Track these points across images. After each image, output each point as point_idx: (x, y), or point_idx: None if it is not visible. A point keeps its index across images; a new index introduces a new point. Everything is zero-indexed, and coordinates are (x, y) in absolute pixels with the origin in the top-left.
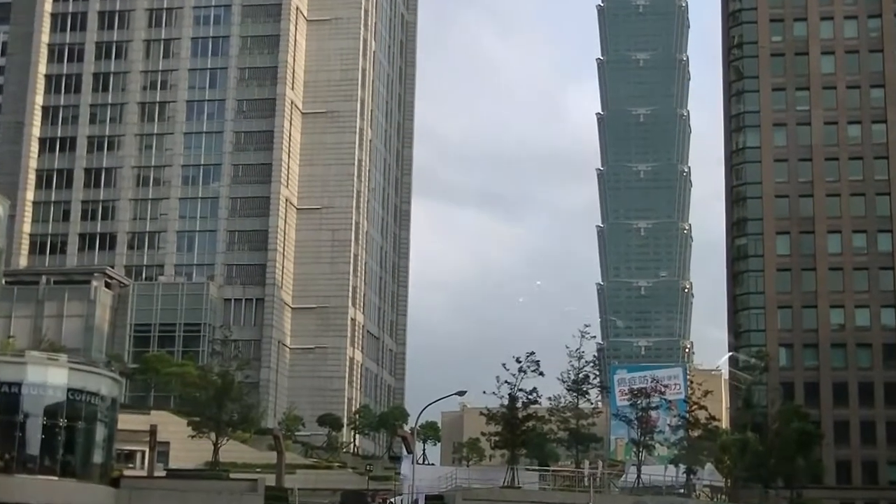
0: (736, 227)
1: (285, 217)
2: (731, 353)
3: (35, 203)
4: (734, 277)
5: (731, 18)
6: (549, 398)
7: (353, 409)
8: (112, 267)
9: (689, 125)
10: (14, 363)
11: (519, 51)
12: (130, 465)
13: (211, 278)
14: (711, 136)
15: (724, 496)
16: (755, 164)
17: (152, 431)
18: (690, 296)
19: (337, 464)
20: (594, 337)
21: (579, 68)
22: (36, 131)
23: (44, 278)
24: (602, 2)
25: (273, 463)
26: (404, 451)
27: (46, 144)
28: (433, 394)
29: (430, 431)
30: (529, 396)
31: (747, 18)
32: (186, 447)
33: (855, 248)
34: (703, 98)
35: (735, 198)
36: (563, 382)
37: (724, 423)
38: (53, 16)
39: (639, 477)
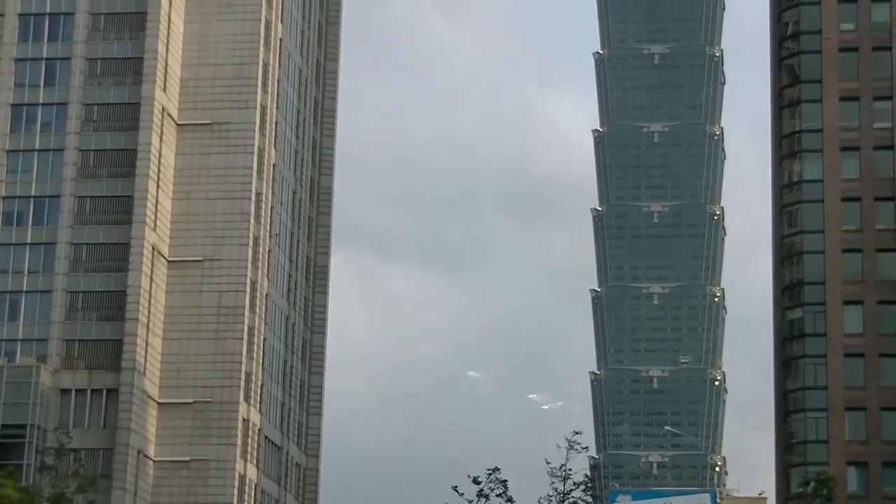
0: (787, 293)
1: (151, 272)
2: (780, 474)
3: None
4: (784, 365)
5: None
6: None
7: None
8: None
9: (723, 148)
10: None
11: (479, 41)
12: None
13: (42, 360)
14: (754, 164)
15: None
16: (815, 205)
17: None
18: (722, 390)
19: None
20: (586, 448)
21: (567, 66)
22: None
23: None
24: None
25: None
26: None
27: None
28: None
29: None
30: None
31: None
32: None
33: None
34: (743, 110)
35: (786, 252)
36: None
37: None
38: None
39: None
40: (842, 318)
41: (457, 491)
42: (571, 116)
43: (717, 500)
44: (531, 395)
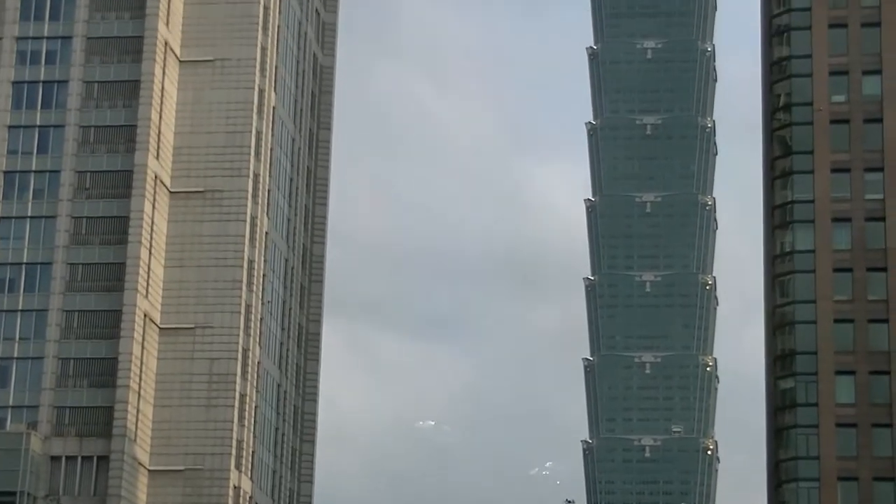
0: (779, 363)
1: (143, 339)
2: None
3: None
4: (776, 435)
5: (776, 70)
6: None
7: None
8: None
9: (715, 218)
10: None
11: (470, 110)
12: None
13: (33, 427)
14: (746, 234)
15: None
16: (807, 275)
17: None
18: (715, 460)
19: None
20: None
21: (559, 136)
22: None
23: None
24: (595, 44)
25: None
26: None
27: None
28: None
29: None
30: None
31: (798, 70)
32: None
33: None
34: (735, 180)
35: (778, 322)
36: None
37: None
38: None
39: None
40: (834, 388)
41: None
42: (562, 186)
43: None
44: (539, 469)
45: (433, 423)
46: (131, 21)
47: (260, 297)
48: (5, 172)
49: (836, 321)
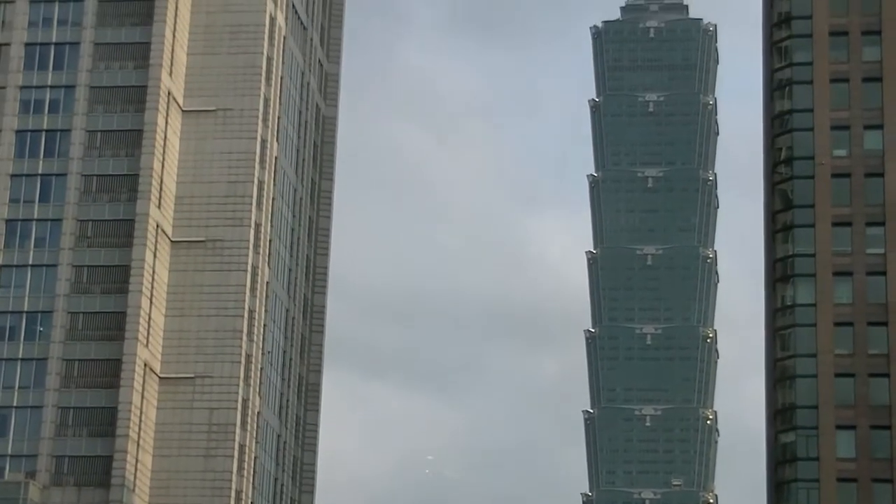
0: (780, 416)
1: (143, 388)
2: None
3: None
4: (777, 489)
5: (777, 124)
6: None
7: None
8: None
9: (716, 271)
10: None
11: (471, 162)
12: None
13: (31, 476)
14: (747, 287)
15: None
16: (807, 329)
17: None
18: None
19: None
20: None
21: (560, 187)
22: None
23: None
24: (597, 97)
25: None
26: None
27: None
28: None
29: None
30: None
31: (800, 124)
32: None
33: None
34: (736, 233)
35: (779, 375)
36: None
37: None
38: None
39: None
40: (834, 442)
41: None
42: (563, 237)
43: None
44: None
45: (432, 474)
46: (135, 71)
47: (260, 347)
48: (7, 221)
49: (836, 375)
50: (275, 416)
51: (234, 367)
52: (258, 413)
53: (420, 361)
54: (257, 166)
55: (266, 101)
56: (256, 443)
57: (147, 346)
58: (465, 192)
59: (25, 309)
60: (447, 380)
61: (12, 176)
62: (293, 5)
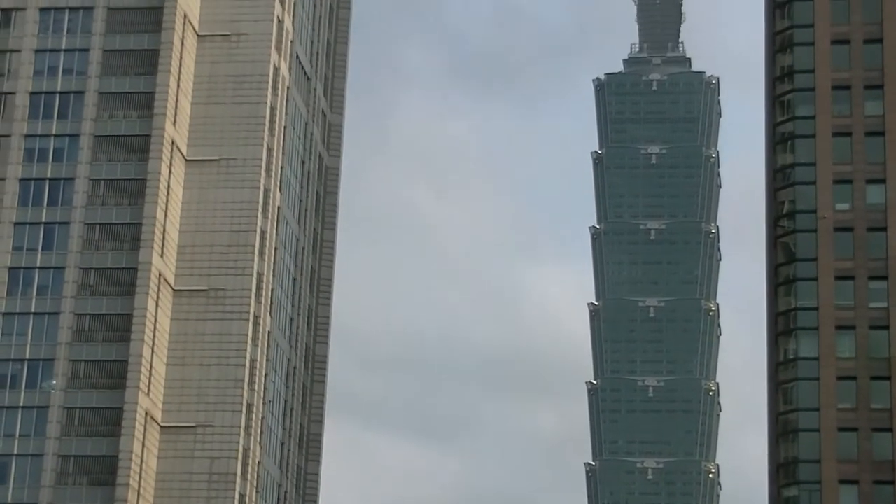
0: (783, 471)
1: (144, 437)
2: None
3: None
4: None
5: (779, 178)
6: None
7: None
8: None
9: (718, 323)
10: None
11: (472, 213)
12: None
13: None
14: (749, 340)
15: None
16: (811, 383)
17: None
18: None
19: None
20: None
21: (562, 239)
22: None
23: None
24: (600, 149)
25: None
26: None
27: None
28: None
29: None
30: None
31: (802, 178)
32: None
33: None
34: (738, 286)
35: (781, 429)
36: None
37: None
38: None
39: None
40: (837, 496)
41: None
42: (565, 289)
43: None
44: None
45: None
46: (139, 120)
47: (261, 396)
48: (10, 268)
49: (839, 429)
50: (276, 465)
51: (236, 416)
52: (259, 463)
53: (420, 411)
54: (260, 216)
55: (269, 150)
56: (257, 493)
57: (148, 394)
58: (466, 242)
59: (27, 357)
60: (446, 430)
61: (16, 224)
62: (297, 56)
